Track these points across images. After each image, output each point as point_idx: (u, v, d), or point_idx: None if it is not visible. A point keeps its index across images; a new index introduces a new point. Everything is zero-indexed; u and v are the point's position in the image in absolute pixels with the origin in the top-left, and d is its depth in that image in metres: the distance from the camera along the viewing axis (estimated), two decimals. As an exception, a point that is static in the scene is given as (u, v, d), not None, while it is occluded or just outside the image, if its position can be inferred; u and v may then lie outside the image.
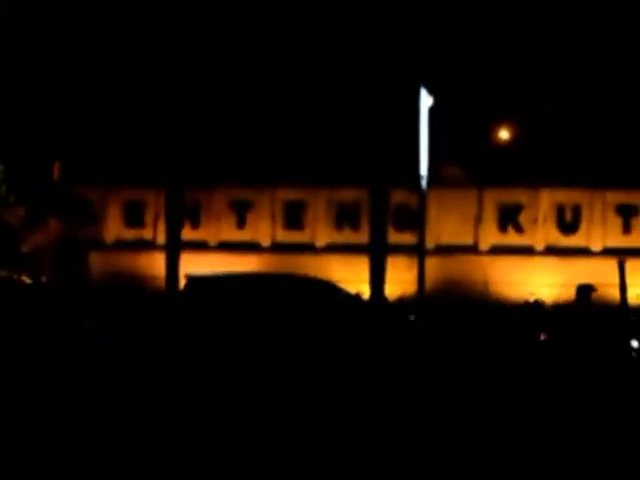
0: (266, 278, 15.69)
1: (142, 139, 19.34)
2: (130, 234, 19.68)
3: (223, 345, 11.94)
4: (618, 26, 18.82)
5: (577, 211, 18.49)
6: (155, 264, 18.54)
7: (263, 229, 18.80)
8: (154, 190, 18.96)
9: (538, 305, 16.70)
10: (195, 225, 19.02)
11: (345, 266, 17.82)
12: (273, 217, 18.65)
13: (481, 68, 18.51)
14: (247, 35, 18.51)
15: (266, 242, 18.74)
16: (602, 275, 15.06)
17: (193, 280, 15.06)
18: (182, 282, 14.91)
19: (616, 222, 18.51)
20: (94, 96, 19.40)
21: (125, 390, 8.29)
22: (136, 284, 17.86)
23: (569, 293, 13.93)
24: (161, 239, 18.83)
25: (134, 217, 19.74)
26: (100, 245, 18.82)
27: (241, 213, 18.84)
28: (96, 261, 15.57)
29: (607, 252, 17.93)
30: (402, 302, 17.34)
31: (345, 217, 18.63)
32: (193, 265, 15.98)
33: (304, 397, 8.86)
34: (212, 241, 18.91)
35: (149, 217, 19.38)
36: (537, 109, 18.58)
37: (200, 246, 18.69)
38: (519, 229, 18.41)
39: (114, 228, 19.67)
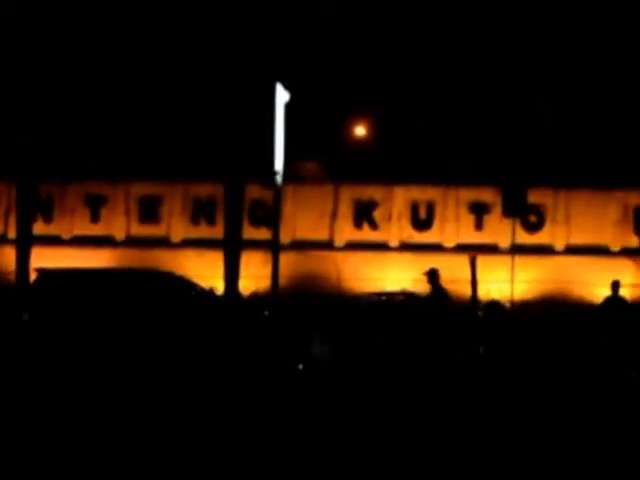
0: (117, 273, 15.61)
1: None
2: (-20, 229, 19.43)
3: (71, 338, 11.89)
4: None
5: (431, 208, 19.11)
6: (6, 259, 18.33)
7: (117, 224, 18.85)
8: (5, 184, 18.77)
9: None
10: (48, 219, 18.88)
11: (200, 261, 18.01)
12: (128, 212, 18.73)
13: (338, 65, 19.02)
14: (89, 29, 18.48)
15: (120, 236, 18.77)
16: (455, 271, 15.53)
17: (44, 274, 14.87)
18: (33, 277, 14.98)
19: (469, 219, 19.21)
20: None
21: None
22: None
23: (423, 288, 14.43)
24: (12, 233, 18.62)
25: (-17, 211, 19.51)
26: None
27: (95, 208, 18.83)
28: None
29: (460, 248, 18.58)
30: (256, 297, 17.60)
31: (201, 212, 18.80)
32: (46, 260, 15.90)
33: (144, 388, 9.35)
34: (65, 235, 18.87)
35: (0, 211, 19.15)
36: (393, 106, 19.17)
37: (53, 241, 18.58)
38: (374, 225, 18.93)
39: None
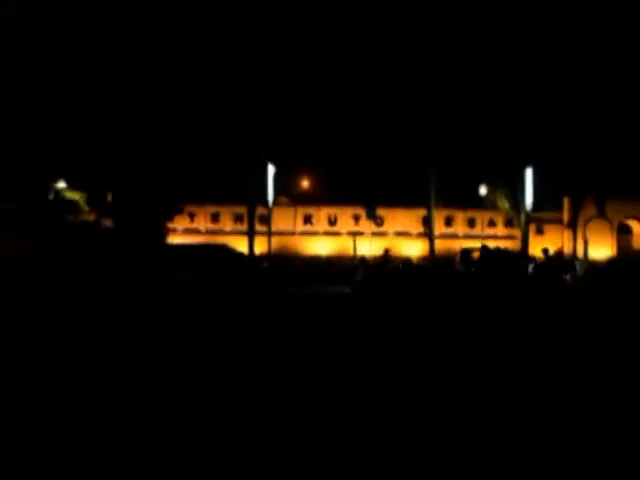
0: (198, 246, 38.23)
1: None
2: None
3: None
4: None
5: (336, 218, 42.61)
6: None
7: (202, 224, 41.94)
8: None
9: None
10: (192, 221, 41.89)
11: (236, 241, 41.21)
12: (205, 218, 41.93)
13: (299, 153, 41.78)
14: None
15: (203, 229, 41.91)
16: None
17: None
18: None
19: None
20: None
21: None
22: None
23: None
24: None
25: None
26: None
27: (192, 217, 41.85)
28: None
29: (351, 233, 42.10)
30: (261, 257, 40.76)
31: (237, 219, 42.00)
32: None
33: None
34: (202, 229, 41.98)
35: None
36: (321, 164, 42.71)
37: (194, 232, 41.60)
38: (311, 224, 42.33)
39: None
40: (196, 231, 40.73)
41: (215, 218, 40.94)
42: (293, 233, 41.50)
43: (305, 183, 44.32)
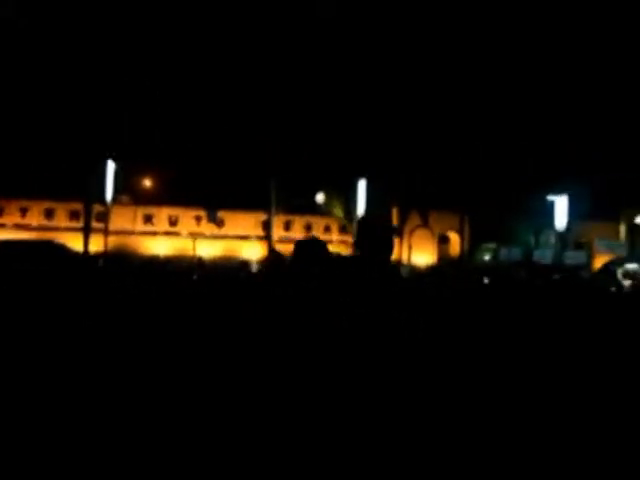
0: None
1: None
2: None
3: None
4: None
5: (174, 219, 42.90)
6: None
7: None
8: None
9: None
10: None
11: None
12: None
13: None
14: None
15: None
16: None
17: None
18: None
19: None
20: None
21: None
22: None
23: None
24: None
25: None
26: None
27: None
28: None
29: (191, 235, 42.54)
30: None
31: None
32: None
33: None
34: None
35: None
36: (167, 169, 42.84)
37: None
38: (151, 223, 42.33)
39: None
40: (27, 227, 39.21)
41: (49, 214, 39.88)
42: (132, 233, 41.24)
43: (148, 183, 44.18)
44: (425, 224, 43.81)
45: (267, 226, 42.06)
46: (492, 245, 42.93)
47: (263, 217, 42.36)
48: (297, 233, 43.51)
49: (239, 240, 42.25)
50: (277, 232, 42.37)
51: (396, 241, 43.21)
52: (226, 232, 42.23)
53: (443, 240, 44.98)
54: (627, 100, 36.88)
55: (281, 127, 38.11)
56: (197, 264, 23.94)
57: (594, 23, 33.75)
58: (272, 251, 22.73)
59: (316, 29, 32.04)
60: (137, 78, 36.03)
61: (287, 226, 43.49)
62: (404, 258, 42.16)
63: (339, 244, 41.89)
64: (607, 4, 32.98)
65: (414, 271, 32.63)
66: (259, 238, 42.72)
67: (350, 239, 42.67)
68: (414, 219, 43.81)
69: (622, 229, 44.72)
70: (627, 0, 33.38)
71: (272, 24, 33.07)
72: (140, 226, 41.63)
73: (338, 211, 43.34)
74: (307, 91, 36.80)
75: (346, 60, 35.14)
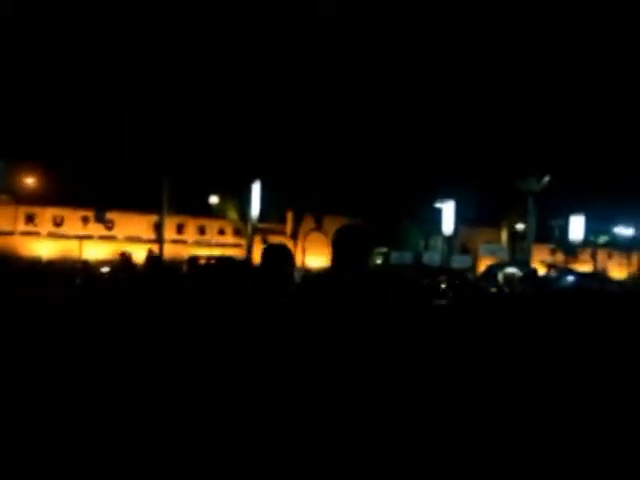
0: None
1: None
2: None
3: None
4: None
5: (62, 220, 40.95)
6: None
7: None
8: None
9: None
10: None
11: None
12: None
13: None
14: None
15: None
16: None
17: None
18: None
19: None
20: None
21: None
22: None
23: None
24: None
25: None
26: None
27: None
28: None
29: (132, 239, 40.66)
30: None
31: None
32: None
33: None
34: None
35: None
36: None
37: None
38: (30, 223, 40.16)
39: None
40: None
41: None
42: (12, 233, 39.03)
43: (31, 181, 41.78)
44: (319, 228, 44.24)
45: (159, 228, 40.97)
46: (383, 249, 43.96)
47: (155, 219, 41.23)
48: (190, 236, 42.71)
49: (129, 242, 40.87)
50: (169, 234, 41.38)
51: (291, 244, 43.58)
52: (116, 233, 40.75)
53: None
54: (511, 112, 39.07)
55: (175, 126, 37.34)
56: (121, 261, 22.28)
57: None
58: (150, 253, 22.01)
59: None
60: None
61: (179, 228, 42.59)
62: (298, 261, 42.38)
63: (233, 247, 41.51)
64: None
65: (307, 274, 32.84)
66: (150, 240, 41.52)
67: (245, 242, 42.38)
68: (308, 223, 44.14)
69: (504, 235, 47.21)
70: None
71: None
72: (22, 226, 39.42)
73: (232, 213, 42.93)
74: (204, 91, 36.18)
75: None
